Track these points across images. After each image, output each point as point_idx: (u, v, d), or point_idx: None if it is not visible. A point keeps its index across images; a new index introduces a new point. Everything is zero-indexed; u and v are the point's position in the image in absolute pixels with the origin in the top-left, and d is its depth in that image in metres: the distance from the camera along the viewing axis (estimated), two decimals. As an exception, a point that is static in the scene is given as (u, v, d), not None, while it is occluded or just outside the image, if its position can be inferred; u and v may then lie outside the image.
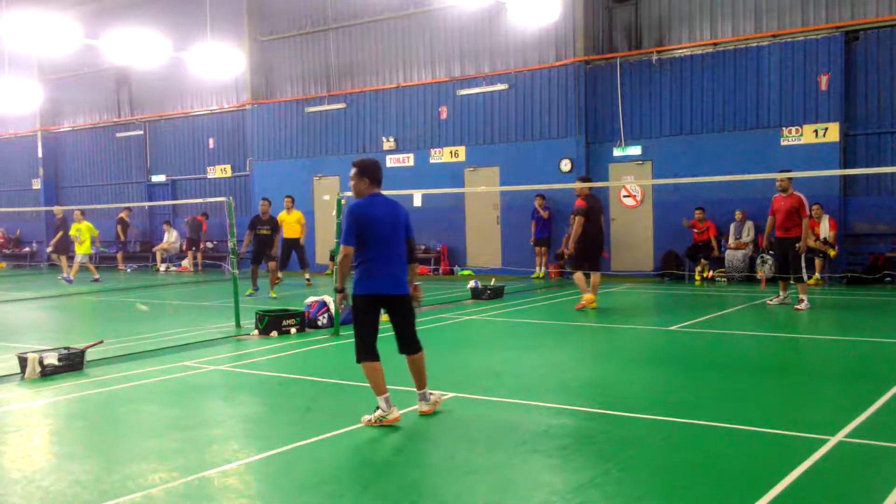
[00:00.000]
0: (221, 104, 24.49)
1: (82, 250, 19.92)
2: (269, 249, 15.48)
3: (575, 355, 8.84)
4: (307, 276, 17.23)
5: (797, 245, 11.71)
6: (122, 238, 25.18)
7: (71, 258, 20.91)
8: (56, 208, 23.46)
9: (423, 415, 6.03)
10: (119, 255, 24.97)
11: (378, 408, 5.78)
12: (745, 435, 5.48)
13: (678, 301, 12.93)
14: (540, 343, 9.69)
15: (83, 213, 20.49)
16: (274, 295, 15.15)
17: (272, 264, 15.42)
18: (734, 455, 5.06)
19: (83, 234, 19.96)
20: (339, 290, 6.19)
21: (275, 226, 15.82)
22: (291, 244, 16.49)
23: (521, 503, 4.36)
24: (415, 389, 6.16)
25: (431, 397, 6.15)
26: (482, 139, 19.47)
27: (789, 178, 11.76)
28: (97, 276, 20.13)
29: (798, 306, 11.59)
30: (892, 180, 15.45)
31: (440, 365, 8.32)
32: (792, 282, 11.91)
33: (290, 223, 16.40)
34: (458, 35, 19.79)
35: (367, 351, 5.92)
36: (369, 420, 5.79)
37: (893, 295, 13.50)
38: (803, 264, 11.86)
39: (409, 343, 6.11)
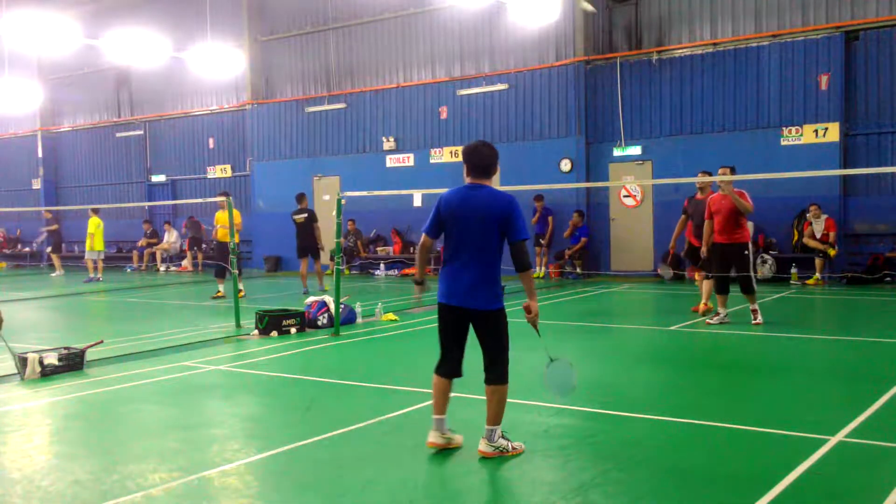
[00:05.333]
0: (221, 104, 24.49)
1: (97, 247, 20.28)
2: (313, 242, 15.80)
3: (575, 355, 8.82)
4: (241, 285, 15.13)
5: (745, 252, 10.23)
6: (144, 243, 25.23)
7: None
8: (44, 209, 23.60)
9: (482, 456, 5.08)
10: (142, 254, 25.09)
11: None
12: (745, 435, 5.48)
13: (678, 301, 12.93)
14: (540, 343, 9.67)
15: (97, 210, 20.68)
16: (327, 287, 15.14)
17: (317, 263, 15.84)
18: (734, 455, 5.06)
19: (95, 231, 20.22)
20: (418, 282, 5.53)
21: (312, 214, 16.10)
22: (224, 246, 15.19)
23: (520, 503, 4.36)
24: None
25: (500, 441, 5.12)
26: (482, 139, 19.43)
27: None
28: (98, 276, 20.22)
29: (755, 320, 10.19)
30: (892, 180, 15.45)
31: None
32: (742, 293, 10.38)
33: (226, 223, 15.28)
34: (458, 35, 19.79)
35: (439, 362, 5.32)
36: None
37: (893, 295, 13.50)
38: (752, 274, 10.37)
39: (486, 368, 5.25)
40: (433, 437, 5.19)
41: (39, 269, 26.16)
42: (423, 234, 5.28)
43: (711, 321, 10.38)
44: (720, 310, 10.43)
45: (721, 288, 10.43)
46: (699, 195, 11.56)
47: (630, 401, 6.57)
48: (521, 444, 5.21)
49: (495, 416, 5.11)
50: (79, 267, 24.60)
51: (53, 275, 22.37)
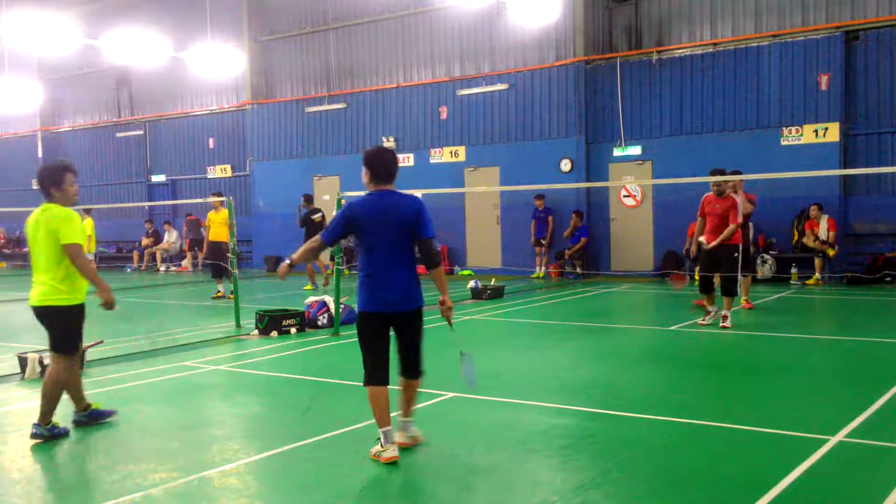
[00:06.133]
0: (221, 104, 24.49)
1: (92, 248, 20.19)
2: None
3: (575, 355, 8.84)
4: (221, 287, 15.33)
5: (735, 254, 10.25)
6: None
7: None
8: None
9: (403, 447, 5.19)
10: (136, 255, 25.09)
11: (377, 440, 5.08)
12: (745, 435, 5.48)
13: (678, 301, 12.93)
14: (540, 343, 9.69)
15: (88, 211, 20.59)
16: (310, 287, 16.02)
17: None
18: (734, 455, 5.06)
19: (92, 232, 20.11)
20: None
21: (323, 213, 16.72)
22: (217, 247, 15.38)
23: (521, 503, 4.36)
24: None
25: (413, 429, 5.34)
26: (482, 139, 19.47)
27: (726, 181, 10.38)
28: None
29: (723, 323, 10.06)
30: (892, 180, 15.45)
31: (440, 365, 8.31)
32: (721, 294, 10.42)
33: (218, 224, 15.39)
34: (458, 35, 19.79)
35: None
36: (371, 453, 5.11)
37: (893, 295, 13.50)
38: (739, 277, 10.38)
39: (411, 365, 5.32)
40: (402, 438, 5.19)
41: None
42: (321, 239, 5.29)
43: (703, 321, 10.33)
44: (709, 308, 10.40)
45: (706, 288, 10.42)
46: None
47: (630, 401, 6.57)
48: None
49: (413, 409, 5.33)
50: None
51: None
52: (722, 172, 10.84)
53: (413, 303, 5.16)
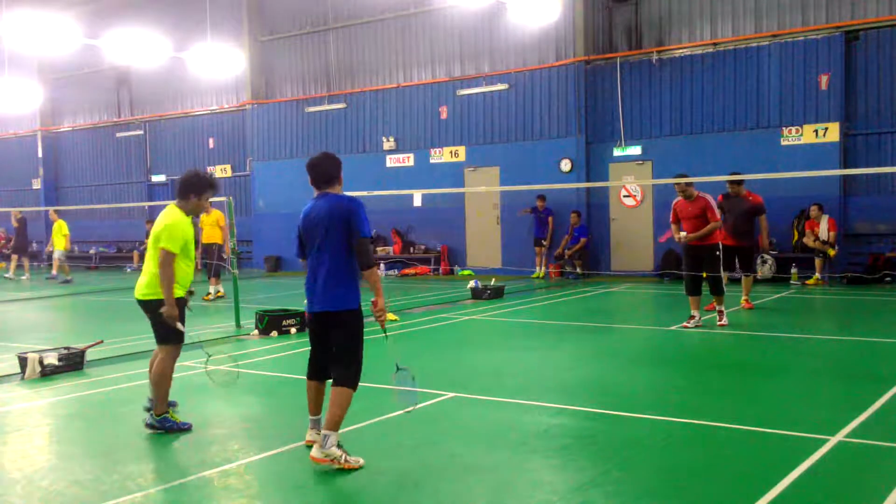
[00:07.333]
0: (221, 104, 24.49)
1: (59, 247, 20.10)
2: None
3: (575, 355, 8.84)
4: (212, 289, 15.47)
5: (717, 252, 10.22)
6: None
7: (28, 257, 21.96)
8: (14, 210, 23.37)
9: (308, 445, 5.23)
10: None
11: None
12: (745, 435, 5.48)
13: (678, 301, 12.92)
14: (540, 343, 9.69)
15: (56, 211, 20.72)
16: None
17: None
18: (734, 455, 5.06)
19: (56, 232, 20.09)
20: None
21: None
22: (209, 249, 15.45)
23: (521, 503, 4.36)
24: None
25: (332, 449, 4.90)
26: (482, 139, 19.47)
27: (688, 182, 10.19)
28: (61, 276, 20.14)
29: (720, 321, 10.17)
30: (892, 180, 15.45)
31: (441, 365, 8.31)
32: (711, 293, 10.47)
33: (210, 225, 15.45)
34: (458, 35, 19.79)
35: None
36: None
37: (893, 295, 13.50)
38: (723, 274, 10.35)
39: (332, 368, 5.22)
40: (311, 436, 5.29)
41: (40, 269, 26.15)
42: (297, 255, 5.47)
43: (688, 325, 10.21)
44: (694, 312, 10.25)
45: (693, 289, 10.33)
46: (731, 193, 11.78)
47: (630, 401, 6.57)
48: (359, 460, 4.93)
49: (331, 421, 4.91)
50: (79, 267, 24.63)
51: (23, 278, 21.34)
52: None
53: (330, 305, 5.07)
